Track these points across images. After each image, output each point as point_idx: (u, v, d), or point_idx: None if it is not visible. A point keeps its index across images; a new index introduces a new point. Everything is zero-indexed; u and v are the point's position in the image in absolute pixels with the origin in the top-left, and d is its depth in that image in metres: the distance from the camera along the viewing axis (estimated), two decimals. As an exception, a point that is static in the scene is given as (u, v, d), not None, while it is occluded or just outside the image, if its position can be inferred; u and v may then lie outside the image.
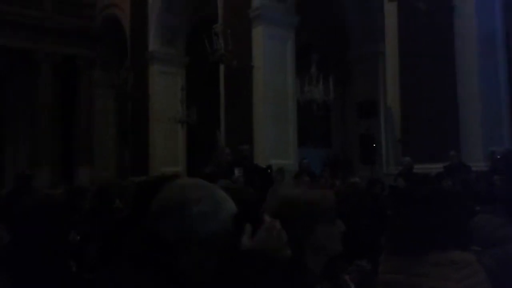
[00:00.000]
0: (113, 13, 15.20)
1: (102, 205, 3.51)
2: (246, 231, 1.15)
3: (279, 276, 1.40)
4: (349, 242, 2.04)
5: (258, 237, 1.16)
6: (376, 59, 12.52)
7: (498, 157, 6.88)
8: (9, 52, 14.42)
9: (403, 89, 8.36)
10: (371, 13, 12.34)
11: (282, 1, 10.64)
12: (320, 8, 13.03)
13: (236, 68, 10.39)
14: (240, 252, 1.15)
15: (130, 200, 2.54)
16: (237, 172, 6.11)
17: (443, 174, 6.19)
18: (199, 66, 12.93)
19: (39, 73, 14.87)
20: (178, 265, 1.19)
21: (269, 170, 7.68)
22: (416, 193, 2.02)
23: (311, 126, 13.83)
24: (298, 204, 1.42)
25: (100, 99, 16.14)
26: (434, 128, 7.76)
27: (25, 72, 15.27)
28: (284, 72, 10.81)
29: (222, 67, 10.93)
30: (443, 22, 7.82)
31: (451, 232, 1.80)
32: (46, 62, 14.92)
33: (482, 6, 7.75)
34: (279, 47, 10.69)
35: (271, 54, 10.51)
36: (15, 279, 1.94)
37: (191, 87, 13.39)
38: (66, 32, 14.93)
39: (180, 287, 1.18)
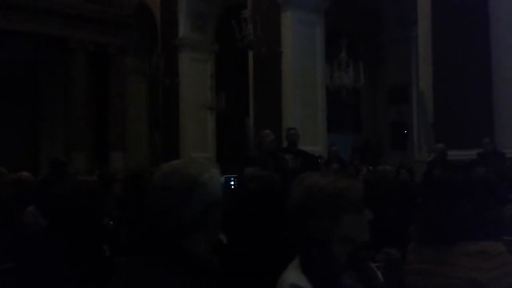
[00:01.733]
0: (143, 0, 15.35)
1: (133, 191, 3.60)
2: None
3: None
4: (377, 230, 2.03)
5: None
6: (408, 43, 12.26)
7: None
8: (43, 39, 14.77)
9: (436, 74, 8.15)
10: (403, -4, 12.02)
11: (312, -15, 10.50)
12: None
13: (265, 54, 10.35)
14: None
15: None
16: (288, 158, 5.60)
17: (476, 162, 6.04)
18: (229, 52, 12.94)
19: (73, 61, 15.19)
20: (197, 249, 1.22)
21: (319, 160, 7.44)
22: (448, 181, 1.99)
23: (340, 112, 13.69)
24: (325, 193, 1.42)
25: (132, 85, 16.40)
26: (467, 114, 7.55)
27: (59, 60, 15.63)
28: (313, 57, 10.70)
29: (251, 53, 10.90)
30: (478, 5, 7.55)
31: (481, 221, 1.77)
32: (80, 49, 15.22)
33: (520, -13, 7.44)
34: (308, 32, 10.57)
35: (299, 39, 10.42)
36: (51, 263, 2.02)
37: (221, 74, 13.43)
38: (98, 20, 15.16)
39: (202, 274, 1.21)
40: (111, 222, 3.54)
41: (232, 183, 7.97)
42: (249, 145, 11.27)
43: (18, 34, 14.07)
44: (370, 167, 9.06)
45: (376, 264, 2.09)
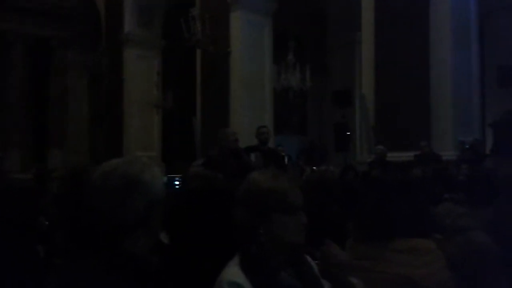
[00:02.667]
0: (88, -7, 14.84)
1: (71, 189, 3.47)
2: None
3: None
4: (317, 229, 2.07)
5: None
6: (353, 48, 12.59)
7: (467, 146, 7.06)
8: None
9: (378, 79, 8.45)
10: (348, 2, 12.37)
11: (260, -13, 10.58)
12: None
13: (213, 53, 10.31)
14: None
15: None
16: (253, 158, 5.50)
17: (414, 163, 6.31)
18: (176, 50, 12.77)
19: (11, 54, 14.44)
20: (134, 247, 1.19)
21: (285, 159, 7.42)
22: (384, 181, 2.06)
23: (287, 113, 13.89)
24: (258, 189, 1.43)
25: (74, 81, 15.80)
26: (407, 118, 7.89)
27: (-3, 53, 14.81)
28: (261, 58, 10.79)
29: (199, 52, 10.83)
30: (419, 14, 7.91)
31: (414, 220, 1.85)
32: (18, 42, 14.49)
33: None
34: (257, 33, 10.64)
35: (248, 40, 10.47)
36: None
37: (168, 71, 13.23)
38: (39, 12, 14.48)
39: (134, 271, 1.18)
40: (47, 222, 3.39)
41: (177, 183, 7.86)
42: (196, 144, 11.18)
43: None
44: (314, 168, 9.24)
45: (316, 261, 2.13)
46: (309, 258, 1.59)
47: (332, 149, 12.89)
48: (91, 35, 15.26)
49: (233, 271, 1.40)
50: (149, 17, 13.41)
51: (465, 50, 7.94)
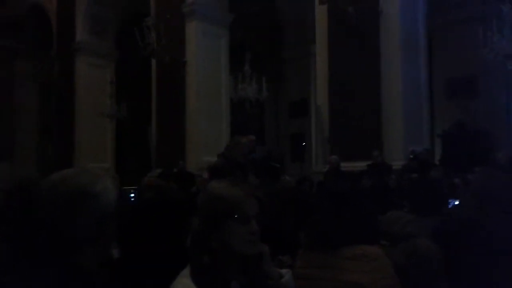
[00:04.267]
0: (38, 0, 14.39)
1: (17, 203, 3.31)
2: None
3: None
4: (272, 238, 2.07)
5: None
6: (308, 60, 12.83)
7: (411, 156, 7.31)
8: None
9: (332, 90, 8.63)
10: (304, 14, 12.62)
11: (216, -3, 10.63)
12: (255, 7, 13.14)
13: (169, 63, 10.23)
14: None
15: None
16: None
17: (365, 173, 6.46)
18: (131, 59, 12.57)
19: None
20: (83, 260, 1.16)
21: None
22: (336, 190, 2.09)
23: (244, 124, 13.92)
24: (210, 197, 1.43)
25: (23, 91, 15.22)
26: (360, 128, 8.08)
27: None
28: (218, 69, 10.80)
29: (154, 62, 10.71)
30: (370, 26, 8.16)
31: (363, 227, 1.88)
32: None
33: (406, 12, 8.17)
34: (213, 44, 10.66)
35: (204, 51, 10.46)
36: None
37: (122, 81, 12.99)
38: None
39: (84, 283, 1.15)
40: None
41: (133, 195, 7.68)
42: (151, 155, 11.01)
43: None
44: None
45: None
46: (280, 269, 1.58)
47: (288, 159, 13.02)
48: (41, 44, 14.80)
49: (183, 282, 1.38)
50: (102, 25, 13.16)
51: (414, 63, 8.24)
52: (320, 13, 8.75)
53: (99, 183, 1.20)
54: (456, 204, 3.65)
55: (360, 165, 7.40)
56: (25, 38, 15.00)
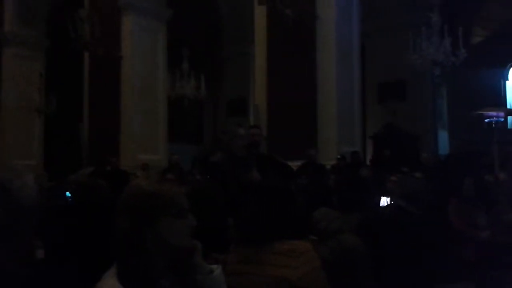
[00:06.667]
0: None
1: None
2: None
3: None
4: (206, 235, 2.06)
5: None
6: (247, 59, 12.89)
7: (338, 157, 7.57)
8: None
9: (270, 90, 8.72)
10: (243, 14, 12.67)
11: (154, -8, 10.41)
12: (194, 5, 13.02)
13: (103, 57, 9.87)
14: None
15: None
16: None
17: (299, 171, 6.59)
18: (62, 51, 12.00)
19: None
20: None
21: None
22: (265, 187, 2.11)
23: (182, 122, 13.75)
24: (143, 193, 1.40)
25: None
26: (296, 128, 8.23)
27: None
28: (155, 65, 10.58)
29: (87, 55, 10.31)
30: (307, 30, 8.33)
31: (292, 222, 1.91)
32: None
33: (342, 18, 8.43)
34: (150, 39, 10.43)
35: (141, 46, 10.21)
36: None
37: (52, 74, 12.36)
38: None
39: None
40: None
41: (68, 194, 7.36)
42: (82, 152, 10.59)
43: None
44: (208, 177, 9.22)
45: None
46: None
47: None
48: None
49: (110, 283, 1.33)
50: (32, 15, 12.44)
51: (348, 67, 8.52)
52: (259, 13, 8.81)
53: (18, 180, 1.15)
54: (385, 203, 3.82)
55: (296, 164, 7.53)
56: None
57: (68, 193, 6.69)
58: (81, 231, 2.85)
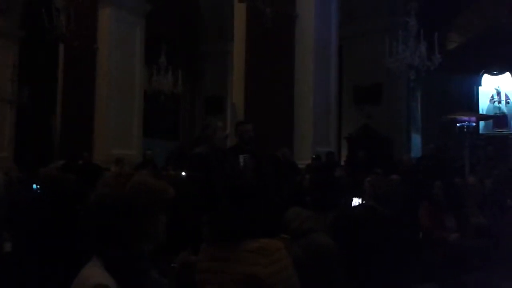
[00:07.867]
0: None
1: None
2: None
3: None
4: (176, 233, 2.05)
5: None
6: (226, 57, 12.85)
7: (313, 156, 7.63)
8: None
9: (248, 88, 8.71)
10: (223, 11, 12.62)
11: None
12: (174, 0, 12.90)
13: (78, 49, 9.68)
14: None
15: None
16: (242, 160, 4.48)
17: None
18: (37, 42, 11.72)
19: None
20: None
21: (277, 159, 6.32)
22: (236, 186, 2.11)
23: (158, 117, 13.62)
24: (134, 189, 1.42)
25: None
26: (273, 127, 8.24)
27: None
28: (132, 59, 10.44)
29: (62, 47, 10.10)
30: (286, 29, 8.35)
31: (262, 222, 1.92)
32: None
33: (320, 19, 8.47)
34: (127, 32, 10.28)
35: (117, 39, 10.06)
36: None
37: (26, 64, 12.06)
38: None
39: None
40: None
41: (35, 186, 7.21)
42: (54, 144, 10.39)
43: None
44: (183, 173, 9.17)
45: (173, 264, 2.13)
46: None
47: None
48: None
49: (98, 273, 1.34)
50: (5, 4, 12.10)
51: (325, 68, 8.57)
52: (239, 11, 8.78)
53: None
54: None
55: (271, 163, 7.54)
56: None
57: (35, 186, 6.56)
58: (48, 224, 2.79)
